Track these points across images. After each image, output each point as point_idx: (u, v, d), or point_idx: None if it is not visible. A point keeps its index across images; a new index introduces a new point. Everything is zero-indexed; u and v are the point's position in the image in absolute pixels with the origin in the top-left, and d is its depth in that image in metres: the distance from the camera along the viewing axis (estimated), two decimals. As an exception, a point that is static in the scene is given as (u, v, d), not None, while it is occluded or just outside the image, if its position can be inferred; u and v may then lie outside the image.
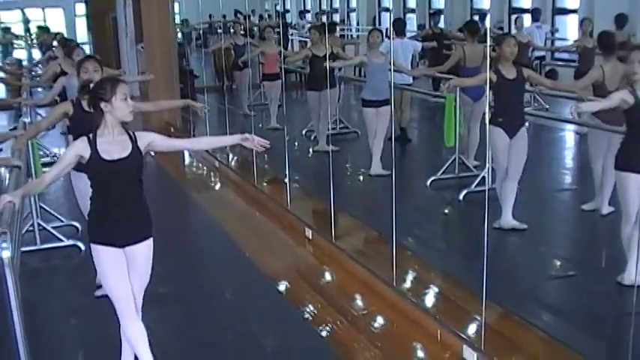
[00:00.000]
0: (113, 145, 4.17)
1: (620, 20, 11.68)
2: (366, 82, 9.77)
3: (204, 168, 11.05)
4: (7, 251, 3.54)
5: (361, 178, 9.65)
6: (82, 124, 4.69)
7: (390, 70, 7.50)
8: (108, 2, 17.70)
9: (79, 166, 4.27)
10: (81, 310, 5.91)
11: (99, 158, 4.13)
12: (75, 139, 4.40)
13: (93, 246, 4.26)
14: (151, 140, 4.32)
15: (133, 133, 4.28)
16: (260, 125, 11.78)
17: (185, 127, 13.33)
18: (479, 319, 4.90)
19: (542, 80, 7.48)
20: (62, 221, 7.82)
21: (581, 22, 12.46)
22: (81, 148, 4.15)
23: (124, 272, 4.29)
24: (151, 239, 4.38)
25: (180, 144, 5.12)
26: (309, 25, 22.17)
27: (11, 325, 3.65)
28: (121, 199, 4.22)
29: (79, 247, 7.16)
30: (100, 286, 5.86)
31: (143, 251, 4.34)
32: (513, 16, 17.48)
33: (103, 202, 4.24)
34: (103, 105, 4.15)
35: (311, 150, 11.19)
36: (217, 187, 10.37)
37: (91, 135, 4.18)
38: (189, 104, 6.80)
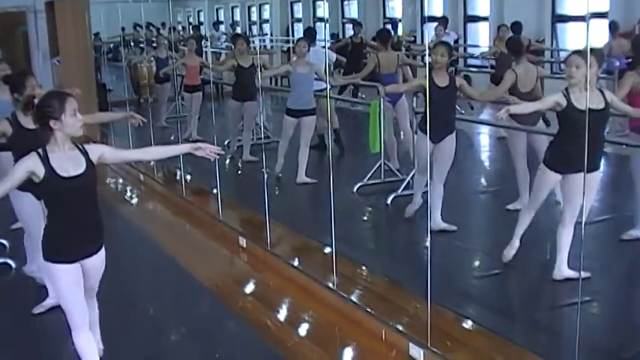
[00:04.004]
0: (67, 162, 4.07)
1: (516, 27, 12.27)
2: (290, 91, 9.83)
3: (129, 182, 10.93)
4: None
5: (288, 186, 9.70)
6: (24, 143, 4.58)
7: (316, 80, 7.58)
8: (18, 16, 17.33)
9: (24, 185, 4.12)
10: (20, 327, 5.78)
11: (56, 176, 4.01)
12: (18, 157, 4.29)
13: (50, 265, 4.19)
14: (101, 153, 4.26)
15: (83, 147, 4.21)
16: (172, 137, 11.58)
17: (104, 143, 13.12)
18: (422, 317, 5.01)
19: (471, 92, 7.67)
20: (-11, 239, 7.66)
21: (498, 28, 12.83)
22: (31, 164, 4.00)
23: (81, 287, 4.27)
24: (103, 249, 4.36)
25: (130, 156, 4.98)
26: (223, 36, 22.18)
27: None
28: (80, 214, 4.16)
29: (10, 265, 7.04)
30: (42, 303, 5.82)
31: (97, 262, 4.33)
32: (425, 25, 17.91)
33: (62, 220, 4.15)
34: (52, 123, 4.01)
35: (228, 160, 11.19)
36: (144, 200, 10.29)
37: (41, 151, 4.04)
38: (129, 117, 5.99)
